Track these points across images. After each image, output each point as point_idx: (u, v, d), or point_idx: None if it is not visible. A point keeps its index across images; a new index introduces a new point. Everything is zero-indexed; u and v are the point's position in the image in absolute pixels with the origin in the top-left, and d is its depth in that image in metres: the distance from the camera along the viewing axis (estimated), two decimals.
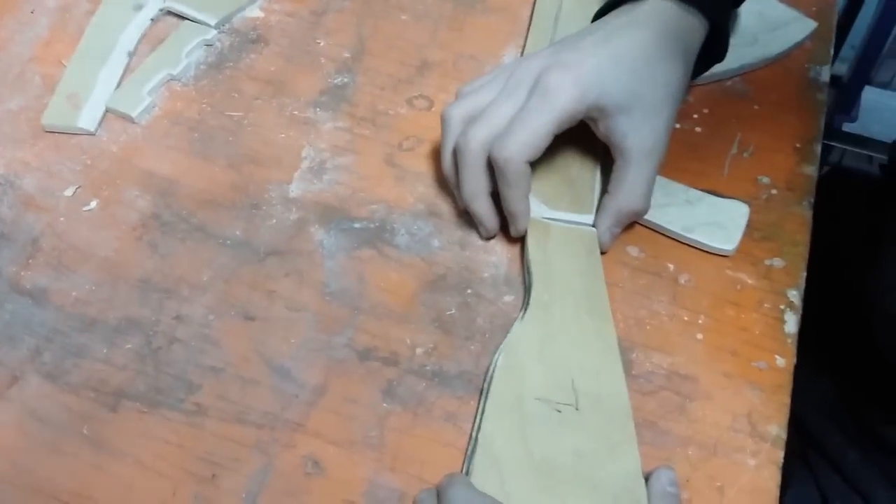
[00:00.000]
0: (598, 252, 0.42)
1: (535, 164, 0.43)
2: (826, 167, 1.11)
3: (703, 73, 0.47)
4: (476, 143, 0.40)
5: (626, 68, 0.39)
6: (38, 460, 0.37)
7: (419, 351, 0.40)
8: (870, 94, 1.12)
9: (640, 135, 0.40)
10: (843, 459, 0.53)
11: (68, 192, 0.45)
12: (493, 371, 0.38)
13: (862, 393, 0.54)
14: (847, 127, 1.11)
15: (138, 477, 0.36)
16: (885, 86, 1.16)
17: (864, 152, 1.10)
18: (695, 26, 0.42)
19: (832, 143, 1.10)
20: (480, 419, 0.36)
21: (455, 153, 0.41)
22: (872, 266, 0.51)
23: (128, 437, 0.37)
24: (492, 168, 0.40)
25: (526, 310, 0.40)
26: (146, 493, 0.36)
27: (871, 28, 1.01)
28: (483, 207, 0.42)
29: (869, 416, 0.52)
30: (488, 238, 0.43)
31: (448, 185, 0.44)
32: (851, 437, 0.53)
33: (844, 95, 1.08)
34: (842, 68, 1.13)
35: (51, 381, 0.39)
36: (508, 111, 0.40)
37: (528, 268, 0.41)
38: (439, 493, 0.33)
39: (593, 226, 0.42)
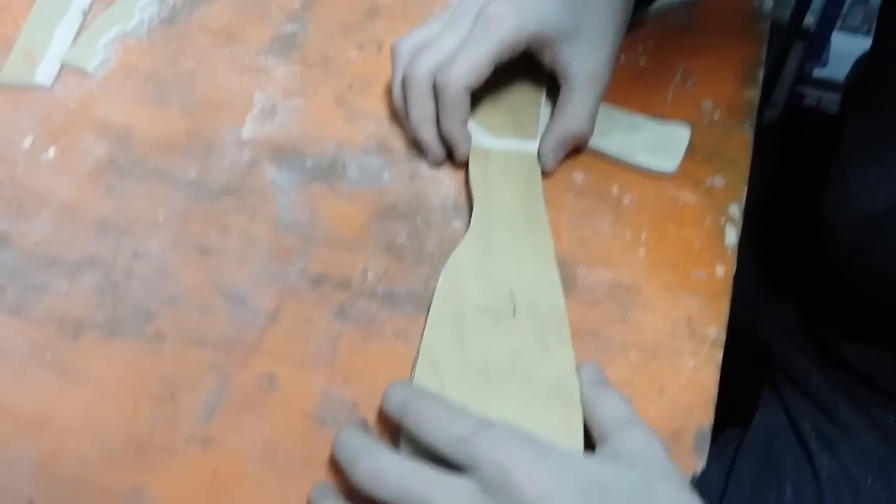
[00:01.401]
0: (539, 173, 0.43)
1: (481, 96, 0.44)
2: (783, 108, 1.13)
3: (646, 7, 0.48)
4: (422, 71, 0.41)
5: None
6: (2, 386, 0.38)
7: (370, 275, 0.41)
8: (839, 40, 1.14)
9: (583, 62, 0.41)
10: (808, 382, 0.54)
11: (26, 143, 0.46)
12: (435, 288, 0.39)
13: (823, 314, 0.55)
14: (819, 73, 1.13)
15: (99, 398, 0.38)
16: (855, 30, 1.17)
17: (837, 96, 1.12)
18: None
19: (804, 89, 1.13)
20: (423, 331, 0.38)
21: (403, 83, 0.42)
22: (825, 188, 0.52)
23: (89, 364, 0.38)
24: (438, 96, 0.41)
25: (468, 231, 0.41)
26: (107, 411, 0.37)
27: None
28: (429, 134, 0.43)
29: (830, 337, 0.54)
30: (435, 165, 0.45)
31: (398, 115, 0.45)
32: (815, 359, 0.55)
33: (814, 42, 1.10)
34: (811, 20, 1.14)
35: (14, 316, 0.40)
36: (453, 41, 0.41)
37: (471, 191, 0.42)
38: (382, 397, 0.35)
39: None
